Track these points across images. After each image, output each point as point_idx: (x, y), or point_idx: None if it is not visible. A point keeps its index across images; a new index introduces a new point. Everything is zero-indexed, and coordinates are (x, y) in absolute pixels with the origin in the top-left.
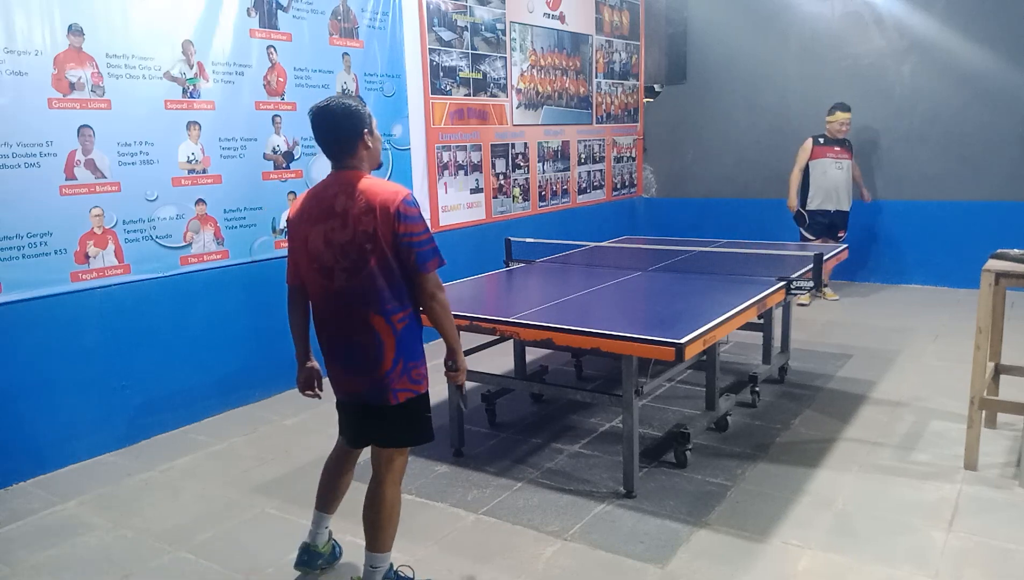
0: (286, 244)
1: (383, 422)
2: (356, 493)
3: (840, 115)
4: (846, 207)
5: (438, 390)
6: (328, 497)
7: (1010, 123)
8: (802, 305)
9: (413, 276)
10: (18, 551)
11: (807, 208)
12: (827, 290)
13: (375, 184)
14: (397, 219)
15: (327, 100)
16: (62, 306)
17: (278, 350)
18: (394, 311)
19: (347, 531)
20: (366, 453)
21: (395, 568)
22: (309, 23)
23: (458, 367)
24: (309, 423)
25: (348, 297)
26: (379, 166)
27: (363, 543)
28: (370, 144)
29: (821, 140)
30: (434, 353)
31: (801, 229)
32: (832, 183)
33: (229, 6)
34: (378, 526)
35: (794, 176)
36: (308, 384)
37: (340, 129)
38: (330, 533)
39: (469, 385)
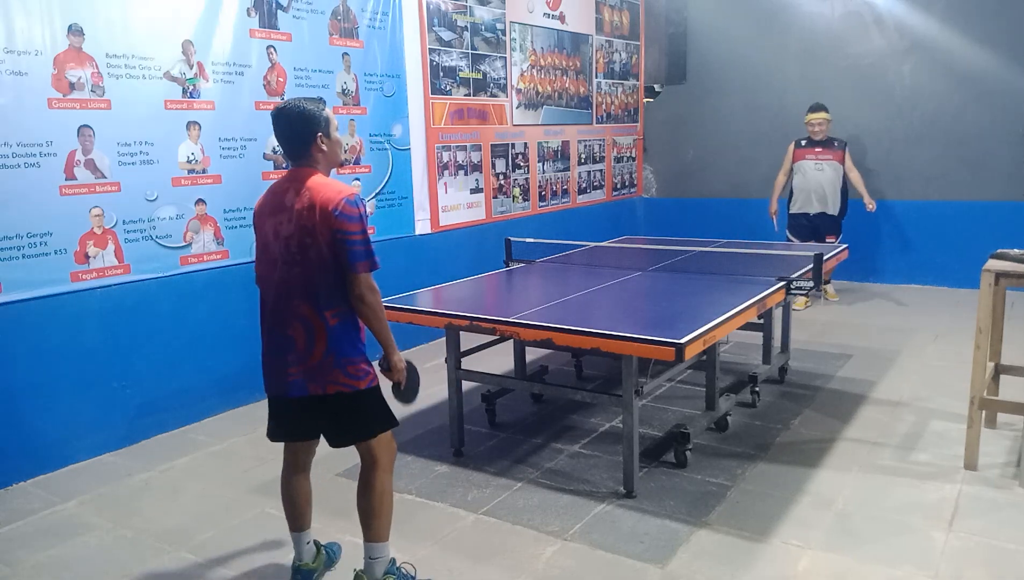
0: None
1: (325, 416)
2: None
3: (812, 115)
4: (832, 210)
5: (438, 390)
6: (295, 515)
7: (1010, 123)
8: (796, 310)
9: (345, 276)
10: (18, 551)
11: (790, 210)
12: (828, 289)
13: (322, 183)
14: (335, 216)
15: (285, 101)
16: (62, 306)
17: None
18: (327, 306)
19: (347, 531)
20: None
21: (398, 564)
22: (309, 23)
23: (391, 366)
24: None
25: (286, 288)
26: (340, 165)
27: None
28: (324, 147)
29: (803, 142)
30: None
31: (787, 231)
32: (811, 184)
33: (229, 6)
34: (370, 515)
35: (777, 179)
36: None
37: (294, 130)
38: (316, 543)
39: (469, 385)
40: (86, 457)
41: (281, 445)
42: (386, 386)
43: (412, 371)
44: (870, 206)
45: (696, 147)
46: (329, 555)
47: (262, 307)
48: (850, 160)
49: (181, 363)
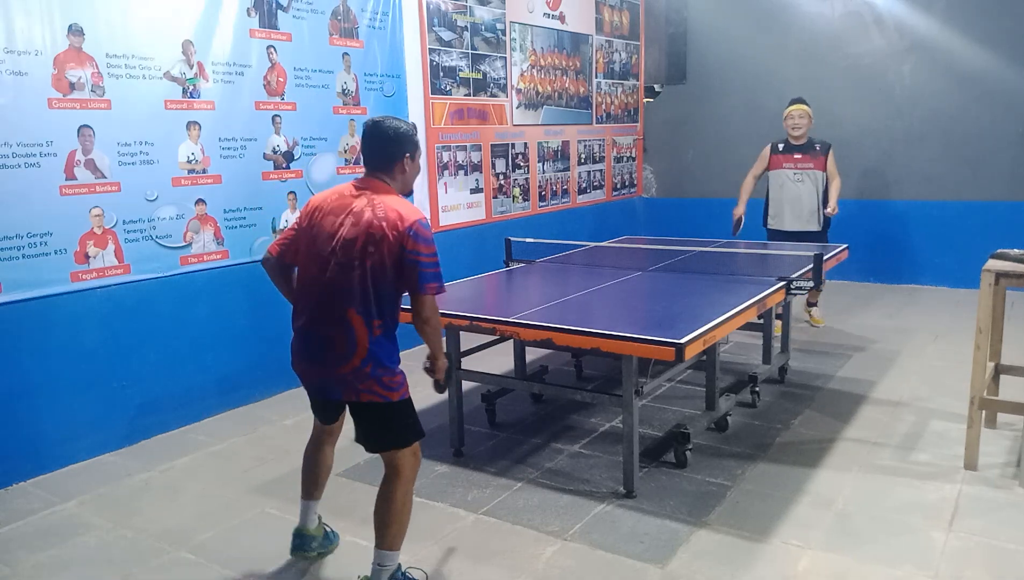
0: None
1: (357, 421)
2: (359, 493)
3: (791, 108)
4: (815, 227)
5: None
6: (310, 483)
7: (1010, 123)
8: (816, 326)
9: (411, 295)
10: (18, 551)
11: (766, 224)
12: (814, 313)
13: (398, 199)
14: (409, 235)
15: (384, 116)
16: (62, 306)
17: (278, 350)
18: (376, 316)
19: (347, 531)
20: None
21: (403, 569)
22: (309, 23)
23: (436, 368)
24: (309, 423)
25: (335, 290)
26: (409, 193)
27: (366, 544)
28: (406, 169)
29: (780, 146)
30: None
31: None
32: (788, 197)
33: (229, 6)
34: (386, 523)
35: (744, 182)
36: None
37: (385, 145)
38: (320, 518)
39: (469, 385)
40: (86, 457)
41: (281, 445)
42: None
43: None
44: (831, 210)
45: (696, 147)
46: (329, 536)
47: (297, 302)
48: (833, 164)
49: (181, 363)
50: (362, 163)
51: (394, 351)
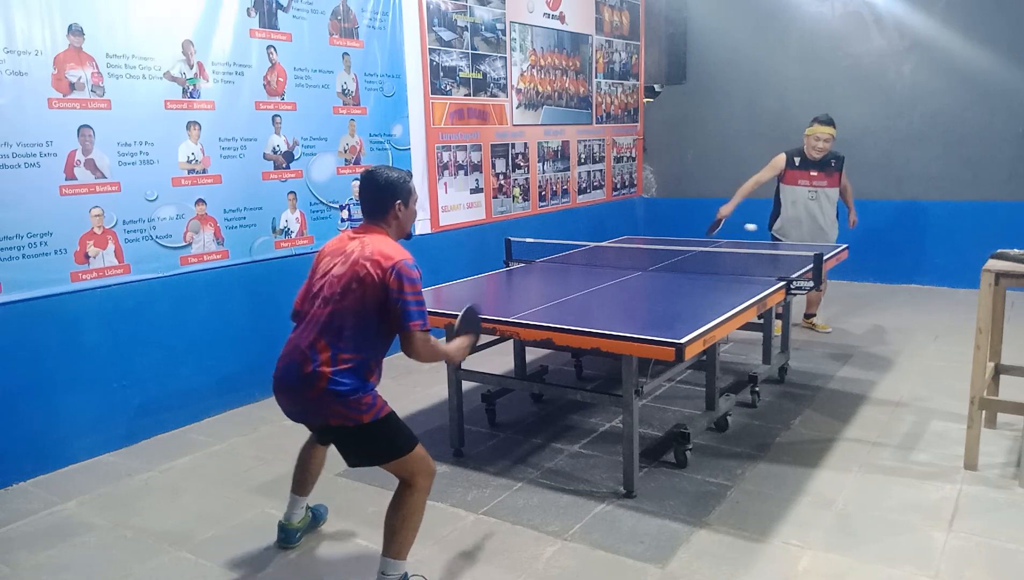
0: (287, 244)
1: (335, 443)
2: (359, 493)
3: (820, 128)
4: (829, 242)
5: (438, 390)
6: (302, 479)
7: (1010, 123)
8: (822, 331)
9: (400, 334)
10: (18, 551)
11: (771, 232)
12: (817, 321)
13: (388, 242)
14: (392, 275)
15: (376, 167)
16: (62, 306)
17: (278, 350)
18: (344, 350)
19: (349, 531)
20: None
21: (408, 577)
22: (309, 23)
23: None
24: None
25: (313, 322)
26: (408, 237)
27: (365, 544)
28: (399, 215)
29: (796, 160)
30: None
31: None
32: (803, 216)
33: (229, 6)
34: (394, 530)
35: (746, 185)
36: None
37: (377, 193)
38: (307, 507)
39: (469, 385)
40: (86, 457)
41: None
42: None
43: (472, 319)
44: (853, 223)
45: (696, 147)
46: (315, 516)
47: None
48: (845, 175)
49: (181, 363)
50: (361, 211)
51: (364, 380)
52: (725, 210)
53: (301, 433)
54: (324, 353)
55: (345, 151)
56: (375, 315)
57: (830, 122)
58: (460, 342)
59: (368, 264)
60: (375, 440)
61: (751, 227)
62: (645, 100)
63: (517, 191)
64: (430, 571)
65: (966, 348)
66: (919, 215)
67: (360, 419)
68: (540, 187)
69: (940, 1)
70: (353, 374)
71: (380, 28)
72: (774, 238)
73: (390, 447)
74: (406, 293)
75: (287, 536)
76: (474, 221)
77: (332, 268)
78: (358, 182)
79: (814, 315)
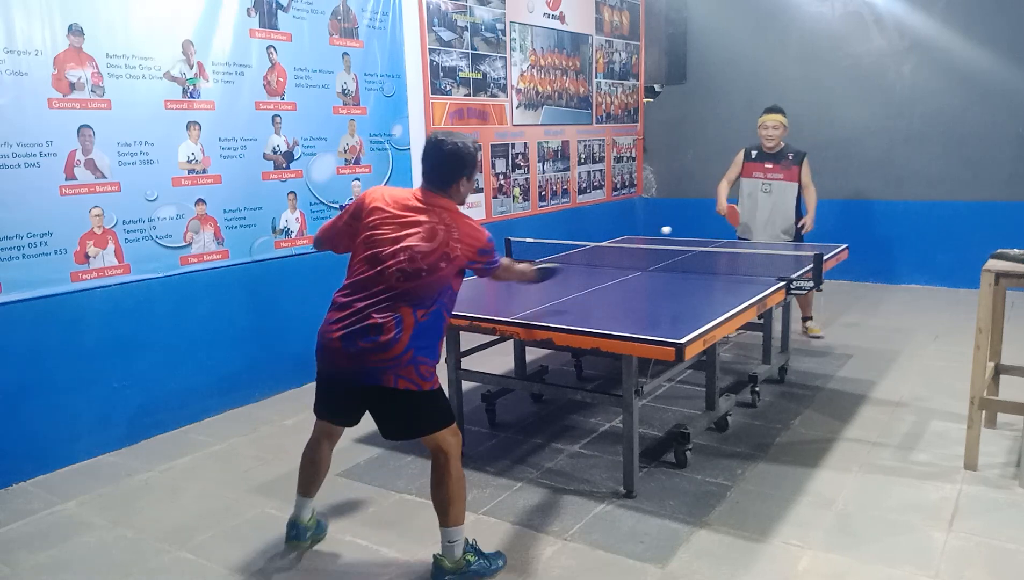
0: (287, 244)
1: (387, 410)
2: (359, 493)
3: (766, 116)
4: (785, 240)
5: None
6: (309, 480)
7: (1010, 123)
8: (815, 337)
9: (486, 276)
10: (18, 551)
11: (737, 234)
12: (811, 325)
13: (467, 222)
14: (479, 254)
15: (448, 134)
16: (62, 306)
17: (278, 350)
18: (422, 307)
19: (347, 531)
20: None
21: (471, 541)
22: (309, 23)
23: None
24: (309, 423)
25: (392, 289)
26: (462, 205)
27: (365, 544)
28: (462, 188)
29: (754, 153)
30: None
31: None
32: (757, 208)
33: (229, 6)
34: (448, 502)
35: (719, 186)
36: None
37: (448, 164)
38: (313, 510)
39: (469, 385)
40: (86, 457)
41: (281, 445)
42: None
43: (549, 272)
44: (805, 226)
45: (696, 147)
46: (320, 526)
47: (346, 285)
48: (808, 174)
49: (181, 363)
50: (422, 175)
51: (436, 343)
52: (721, 204)
53: (301, 433)
54: (407, 319)
55: (345, 151)
56: (454, 281)
57: (776, 110)
58: (528, 269)
59: (459, 247)
60: (430, 408)
61: (666, 229)
62: (645, 100)
63: (517, 191)
64: (430, 571)
65: (966, 348)
66: (919, 215)
67: (422, 386)
68: (540, 187)
69: (940, 1)
70: (430, 326)
71: (380, 28)
72: (739, 240)
73: (442, 416)
74: (490, 258)
75: (299, 533)
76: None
77: (407, 237)
78: (425, 146)
79: (811, 318)
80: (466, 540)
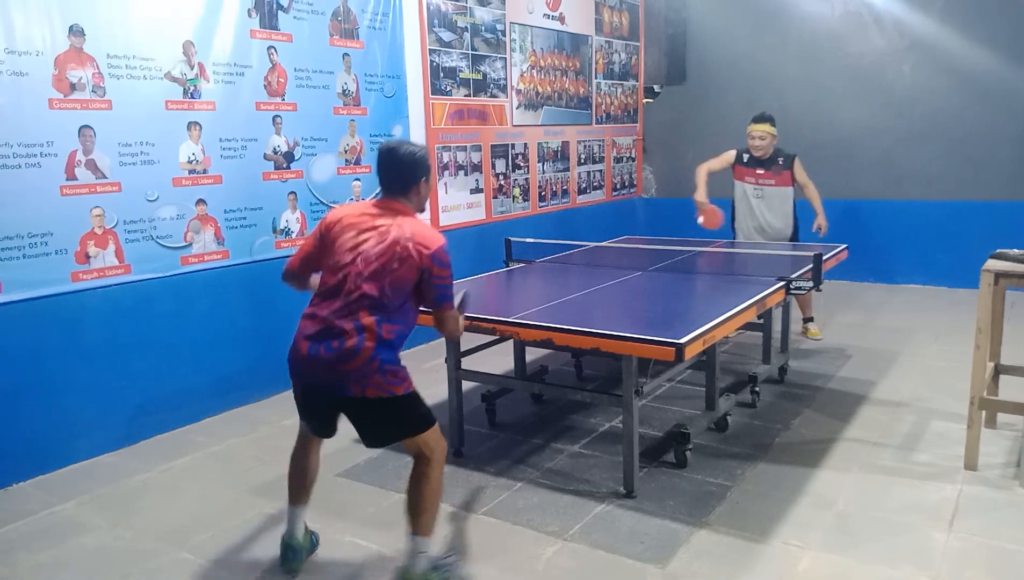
0: (287, 244)
1: (363, 418)
2: (359, 493)
3: (753, 127)
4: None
5: (438, 390)
6: (300, 488)
7: (1010, 123)
8: (813, 338)
9: (432, 309)
10: (18, 551)
11: (733, 235)
12: (811, 327)
13: (422, 224)
14: (432, 261)
15: (398, 141)
16: (62, 306)
17: (278, 350)
18: (388, 321)
19: (347, 531)
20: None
21: (436, 555)
22: (309, 24)
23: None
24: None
25: (354, 297)
26: (422, 211)
27: (365, 544)
28: (421, 191)
29: (745, 157)
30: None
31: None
32: (750, 212)
33: (230, 7)
34: (420, 508)
35: (699, 171)
36: None
37: (402, 170)
38: (306, 525)
39: (469, 385)
40: (86, 457)
41: (280, 445)
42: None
43: (465, 303)
44: (818, 227)
45: (696, 147)
46: (312, 541)
47: (313, 303)
48: (803, 173)
49: (181, 363)
50: (380, 185)
51: (397, 355)
52: (700, 194)
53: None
54: (368, 326)
55: (345, 151)
56: (412, 290)
57: (764, 119)
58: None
59: (410, 246)
60: (406, 412)
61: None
62: (645, 100)
63: (517, 191)
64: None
65: (966, 348)
66: (919, 215)
67: (395, 391)
68: (540, 187)
69: (939, 1)
70: (393, 347)
71: (380, 29)
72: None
73: (420, 419)
74: (442, 276)
75: (295, 555)
76: (474, 221)
77: (363, 243)
78: (378, 156)
79: (812, 319)
80: (434, 558)
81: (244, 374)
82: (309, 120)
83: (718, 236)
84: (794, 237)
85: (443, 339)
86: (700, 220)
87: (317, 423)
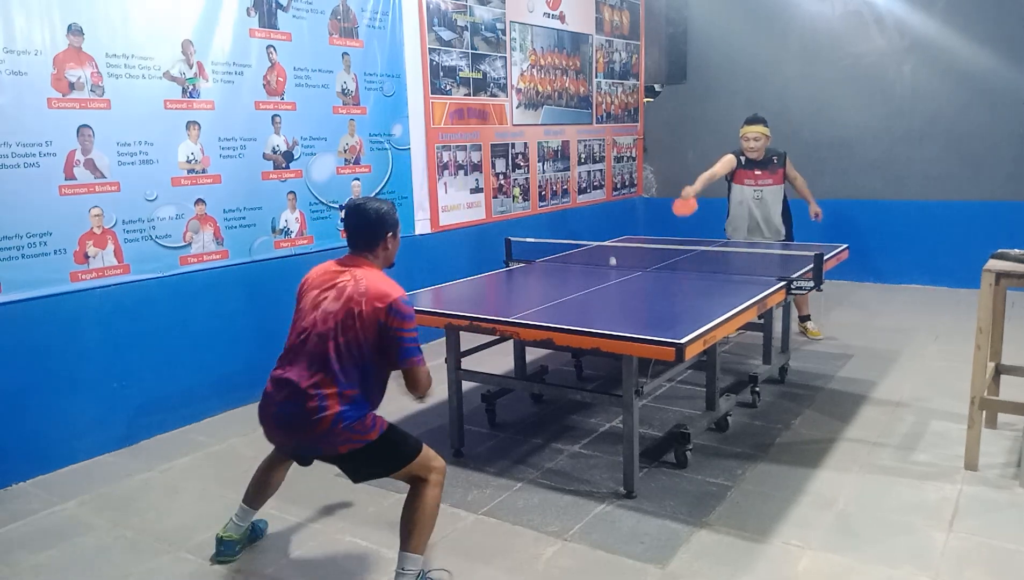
0: (287, 244)
1: (345, 469)
2: (359, 494)
3: (748, 128)
4: (779, 239)
5: (438, 390)
6: (258, 493)
7: (1010, 123)
8: (814, 338)
9: (394, 366)
10: (18, 551)
11: (726, 233)
12: (809, 325)
13: (379, 277)
14: (389, 313)
15: (364, 199)
16: (62, 306)
17: (278, 350)
18: (347, 387)
19: (346, 531)
20: None
21: (427, 572)
22: (309, 23)
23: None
24: None
25: (311, 358)
26: (391, 265)
27: (365, 544)
28: (389, 246)
29: (743, 159)
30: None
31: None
32: (748, 214)
33: (229, 6)
34: (413, 526)
35: (701, 177)
36: None
37: (368, 227)
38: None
39: (469, 385)
40: (86, 457)
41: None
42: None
43: None
44: (815, 214)
45: (696, 147)
46: (255, 531)
47: (277, 367)
48: (792, 168)
49: (181, 363)
50: (347, 242)
51: (364, 409)
52: (688, 188)
53: None
54: (328, 390)
55: (345, 151)
56: (373, 350)
57: (758, 121)
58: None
59: (363, 301)
60: (384, 453)
61: (612, 261)
62: (645, 100)
63: (517, 191)
64: (429, 571)
65: (966, 348)
66: (919, 215)
67: (368, 438)
68: (540, 187)
69: (940, 1)
70: (357, 404)
71: (380, 28)
72: (727, 237)
73: (399, 455)
74: (404, 330)
75: (227, 547)
76: (474, 221)
77: (322, 301)
78: (344, 214)
79: (808, 318)
80: (423, 573)
81: (244, 374)
82: (308, 119)
83: (718, 236)
84: (789, 235)
85: (443, 339)
86: (674, 205)
87: (289, 458)
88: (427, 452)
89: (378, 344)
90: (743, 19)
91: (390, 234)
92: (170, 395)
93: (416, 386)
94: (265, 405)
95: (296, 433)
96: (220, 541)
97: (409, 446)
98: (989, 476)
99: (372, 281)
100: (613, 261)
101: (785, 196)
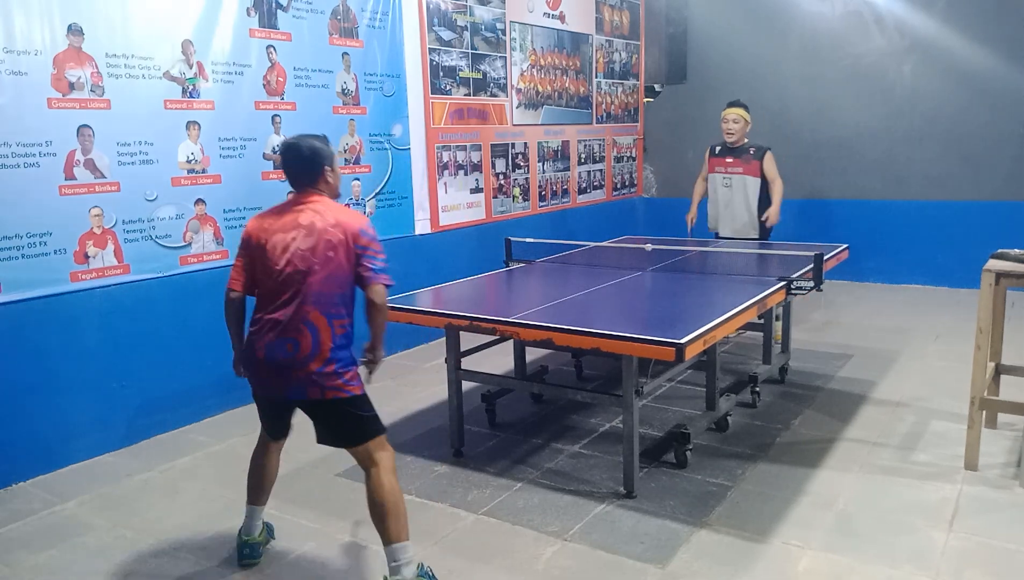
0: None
1: (321, 419)
2: (359, 493)
3: (726, 111)
4: (752, 235)
5: (438, 390)
6: (259, 488)
7: (1010, 123)
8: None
9: (365, 285)
10: (18, 551)
11: (709, 228)
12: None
13: (341, 207)
14: (361, 235)
15: (295, 137)
16: (62, 306)
17: None
18: (337, 316)
19: (346, 531)
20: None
21: (425, 567)
22: (309, 23)
23: (375, 357)
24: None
25: (300, 297)
26: (338, 197)
27: (365, 544)
28: (330, 179)
29: (717, 148)
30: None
31: None
32: (720, 201)
33: (229, 6)
34: (385, 514)
35: (696, 186)
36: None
37: (304, 163)
38: (263, 522)
39: (469, 385)
40: (86, 457)
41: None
42: None
43: None
44: (768, 218)
45: (696, 147)
46: (269, 532)
47: (257, 315)
48: (773, 168)
49: (181, 363)
50: (289, 182)
51: (351, 353)
52: (690, 213)
53: (300, 434)
54: (320, 322)
55: (345, 151)
56: (350, 275)
57: (737, 104)
58: (382, 351)
59: (336, 230)
60: (361, 414)
61: (648, 247)
62: (645, 100)
63: (517, 191)
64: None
65: (966, 348)
66: (919, 215)
67: (354, 391)
68: (540, 187)
69: (940, 1)
70: (347, 338)
71: (380, 28)
72: (710, 230)
73: (369, 426)
74: (374, 249)
75: (252, 551)
76: (474, 221)
77: (292, 242)
78: (280, 154)
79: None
80: (420, 565)
81: None
82: (308, 119)
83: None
84: (764, 231)
85: (443, 339)
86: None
87: (273, 423)
88: (385, 437)
89: (353, 268)
90: (743, 19)
91: (327, 168)
92: (170, 395)
93: (378, 301)
94: (252, 351)
95: (288, 370)
96: (245, 544)
97: (379, 422)
98: (989, 476)
99: (336, 212)
100: (649, 247)
101: (760, 199)
